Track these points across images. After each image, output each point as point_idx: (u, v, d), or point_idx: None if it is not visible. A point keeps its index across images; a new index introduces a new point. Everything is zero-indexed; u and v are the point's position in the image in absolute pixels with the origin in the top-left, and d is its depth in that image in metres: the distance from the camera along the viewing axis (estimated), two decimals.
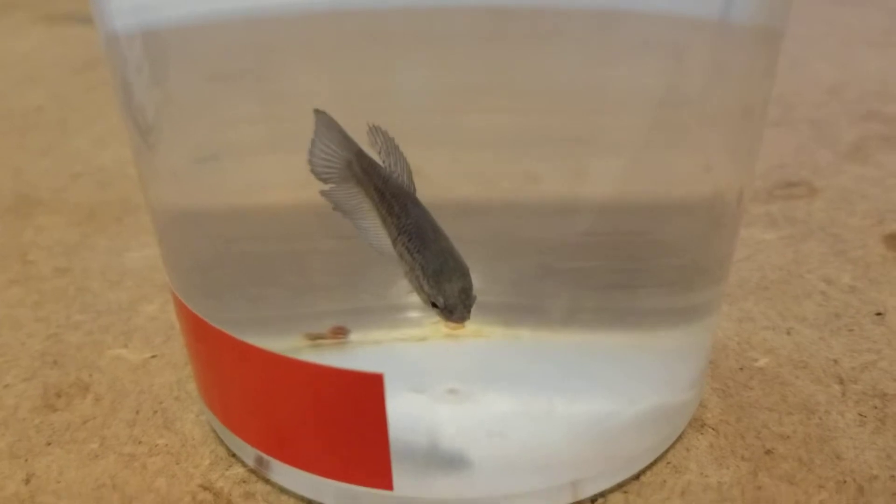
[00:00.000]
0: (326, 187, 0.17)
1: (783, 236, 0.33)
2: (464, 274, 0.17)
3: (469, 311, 0.17)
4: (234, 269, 0.20)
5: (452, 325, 0.17)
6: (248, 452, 0.21)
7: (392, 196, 0.17)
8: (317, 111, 0.16)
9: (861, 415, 0.23)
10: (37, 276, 0.31)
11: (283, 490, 0.21)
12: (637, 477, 0.21)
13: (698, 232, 0.20)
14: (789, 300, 0.29)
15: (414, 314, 0.20)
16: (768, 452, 0.22)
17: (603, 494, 0.20)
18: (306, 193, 0.18)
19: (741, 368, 0.25)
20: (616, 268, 0.20)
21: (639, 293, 0.20)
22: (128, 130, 0.20)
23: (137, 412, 0.24)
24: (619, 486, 0.21)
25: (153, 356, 0.26)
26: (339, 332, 0.20)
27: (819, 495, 0.20)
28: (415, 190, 0.17)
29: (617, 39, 0.16)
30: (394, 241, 0.17)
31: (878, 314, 0.28)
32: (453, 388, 0.20)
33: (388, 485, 0.19)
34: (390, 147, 0.17)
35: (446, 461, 0.19)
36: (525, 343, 0.20)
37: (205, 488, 0.21)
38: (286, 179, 0.18)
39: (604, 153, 0.18)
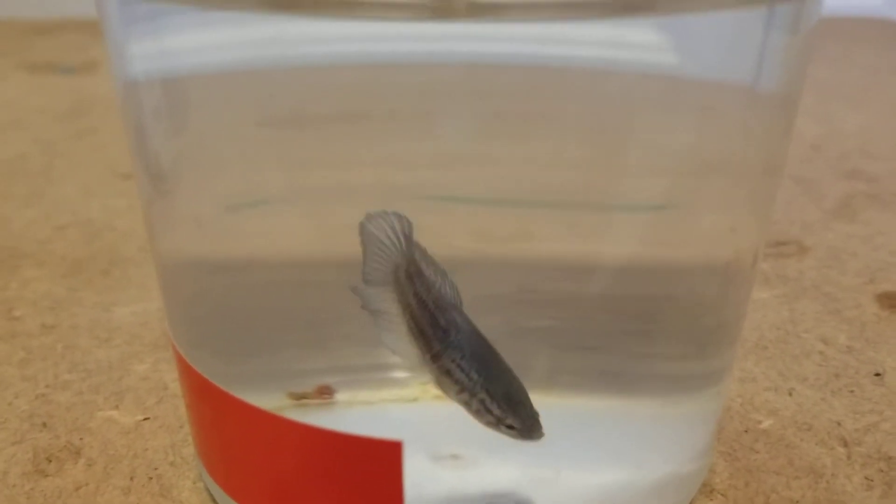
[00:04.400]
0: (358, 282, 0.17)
1: (777, 295, 0.33)
2: (527, 394, 0.17)
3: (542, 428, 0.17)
4: (238, 323, 0.20)
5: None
6: None
7: (435, 306, 0.17)
8: (397, 215, 0.16)
9: (868, 478, 0.23)
10: (23, 333, 0.30)
11: None
12: None
13: (717, 294, 0.20)
14: (789, 360, 0.29)
15: (400, 374, 0.19)
16: None
17: None
18: (323, 245, 0.18)
19: (746, 431, 0.25)
20: (629, 330, 0.19)
21: (652, 357, 0.20)
22: (138, 180, 0.19)
23: (132, 478, 0.23)
24: None
25: (145, 418, 0.26)
26: (325, 392, 0.20)
27: None
28: (461, 303, 0.17)
29: (646, 100, 0.17)
30: (435, 355, 0.17)
31: (877, 374, 0.28)
32: (456, 453, 0.19)
33: None
34: (427, 260, 0.17)
35: None
36: None
37: None
38: (307, 231, 0.18)
39: (626, 213, 0.18)
